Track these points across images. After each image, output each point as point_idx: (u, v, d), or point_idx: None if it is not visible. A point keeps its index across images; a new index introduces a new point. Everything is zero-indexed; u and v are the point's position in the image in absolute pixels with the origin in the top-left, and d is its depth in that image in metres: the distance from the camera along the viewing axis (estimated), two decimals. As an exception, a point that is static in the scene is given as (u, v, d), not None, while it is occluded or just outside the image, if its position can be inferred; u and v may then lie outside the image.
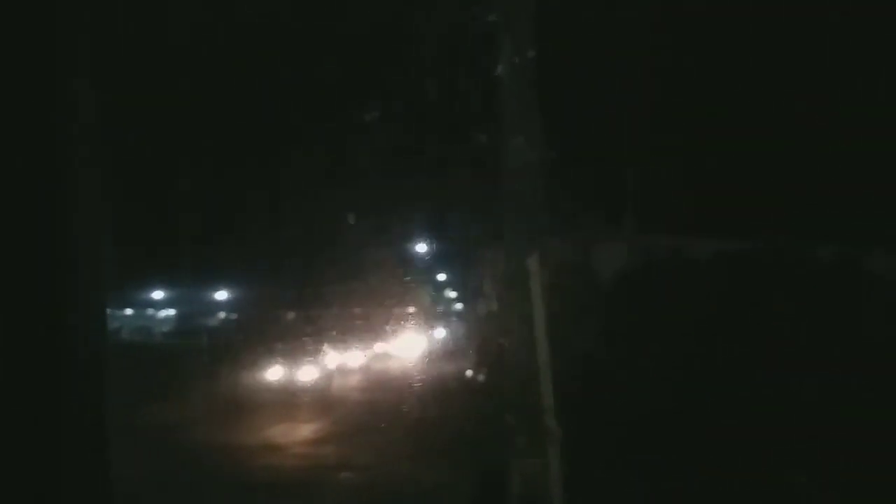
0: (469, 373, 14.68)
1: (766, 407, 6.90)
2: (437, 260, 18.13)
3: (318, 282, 17.59)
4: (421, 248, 18.05)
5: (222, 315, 20.86)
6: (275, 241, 16.31)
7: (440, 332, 18.44)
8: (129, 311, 19.83)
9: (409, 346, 18.40)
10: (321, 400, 13.80)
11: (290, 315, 19.20)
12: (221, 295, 20.92)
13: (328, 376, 15.81)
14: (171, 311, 21.03)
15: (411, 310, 18.65)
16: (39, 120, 2.09)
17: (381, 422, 11.87)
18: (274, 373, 15.75)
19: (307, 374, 15.77)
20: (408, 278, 18.52)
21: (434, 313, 19.24)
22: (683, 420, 6.29)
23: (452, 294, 19.43)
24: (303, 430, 11.71)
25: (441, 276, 18.48)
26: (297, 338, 17.65)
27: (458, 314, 17.95)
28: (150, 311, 20.80)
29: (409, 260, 18.17)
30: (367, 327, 18.15)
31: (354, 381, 15.53)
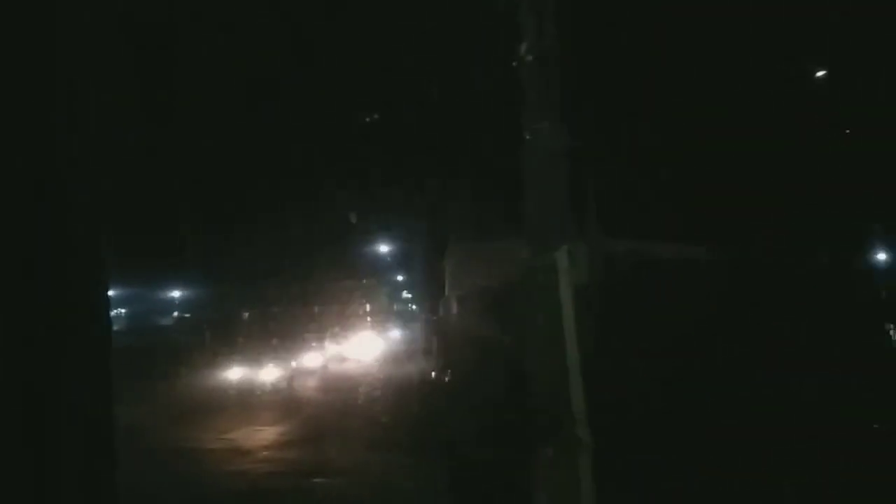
0: (434, 374, 14.16)
1: (769, 408, 6.47)
2: (403, 260, 17.63)
3: (279, 281, 16.92)
4: (385, 248, 17.49)
5: (176, 314, 19.97)
6: (235, 241, 15.58)
7: (402, 333, 17.94)
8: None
9: (371, 347, 17.85)
10: (283, 401, 13.09)
11: (247, 315, 18.48)
12: (176, 294, 20.04)
13: (289, 377, 15.13)
14: (121, 310, 20.02)
15: (376, 311, 18.16)
16: (39, 119, 1.99)
17: (348, 424, 11.26)
18: (232, 373, 15.01)
19: (267, 374, 15.06)
20: (369, 280, 18.02)
21: (398, 314, 18.75)
22: (704, 425, 5.79)
23: (411, 295, 18.93)
24: (268, 433, 10.98)
25: (409, 277, 17.99)
26: (256, 338, 16.93)
27: (422, 315, 17.47)
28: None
29: (375, 261, 17.65)
30: (328, 327, 17.53)
31: (316, 381, 14.84)
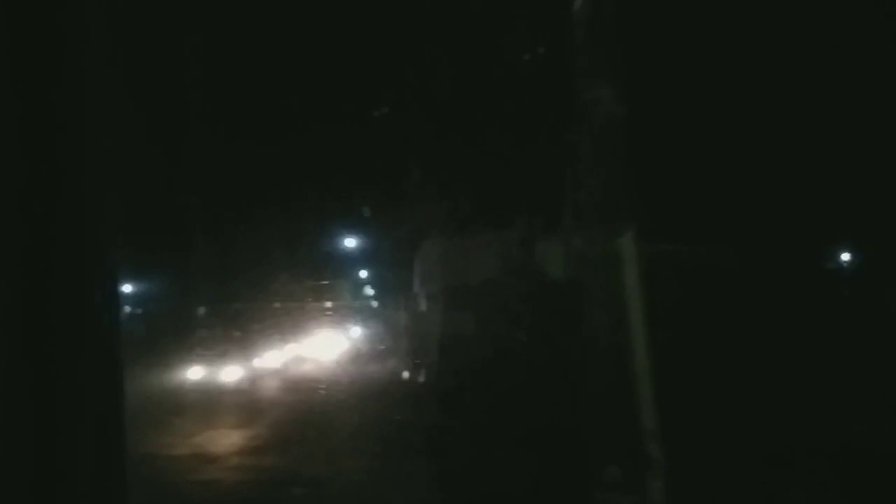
0: (406, 374, 13.42)
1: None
2: (370, 256, 16.79)
3: (241, 278, 15.93)
4: (352, 244, 16.61)
5: (127, 309, 18.77)
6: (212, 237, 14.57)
7: (365, 331, 17.12)
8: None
9: (333, 345, 16.99)
10: (248, 402, 12.19)
11: (203, 311, 17.46)
12: (126, 288, 18.84)
13: (251, 377, 14.19)
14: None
15: (339, 308, 17.30)
16: (49, 115, 1.89)
17: (320, 427, 10.45)
18: (192, 373, 14.04)
19: (228, 374, 14.11)
20: (333, 276, 17.16)
21: (360, 311, 17.89)
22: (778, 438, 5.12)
23: (374, 292, 18.11)
24: (236, 438, 10.11)
25: (374, 273, 17.12)
26: (214, 336, 15.94)
27: (387, 313, 16.66)
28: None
29: (342, 257, 16.76)
30: (289, 325, 16.63)
31: (280, 382, 13.94)
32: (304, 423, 10.57)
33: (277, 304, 16.76)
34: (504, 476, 6.26)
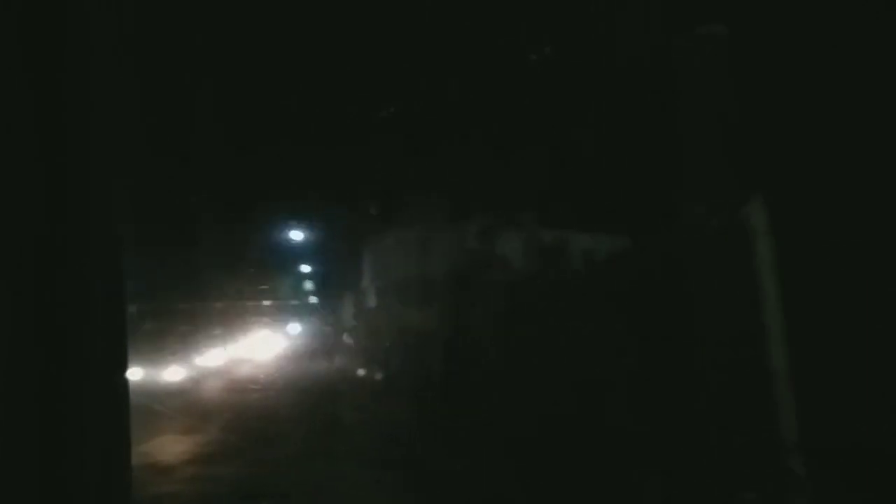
0: (361, 372, 12.45)
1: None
2: (315, 250, 15.70)
3: (180, 276, 14.64)
4: (296, 238, 15.45)
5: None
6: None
7: (305, 328, 16.12)
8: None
9: (273, 344, 15.88)
10: (195, 405, 10.98)
11: (134, 309, 16.12)
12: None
13: (194, 378, 12.94)
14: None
15: (279, 305, 16.22)
16: (57, 117, 1.82)
17: (277, 430, 9.37)
18: (131, 374, 12.74)
19: (170, 375, 12.83)
20: (272, 271, 16.05)
21: (299, 308, 16.82)
22: None
23: (314, 287, 17.09)
24: (188, 444, 8.93)
25: (318, 268, 16.03)
26: (148, 335, 14.61)
27: (329, 309, 15.68)
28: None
29: (284, 251, 15.62)
30: (226, 324, 15.42)
31: (224, 382, 12.73)
32: (255, 427, 9.51)
33: (219, 304, 15.55)
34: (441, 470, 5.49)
